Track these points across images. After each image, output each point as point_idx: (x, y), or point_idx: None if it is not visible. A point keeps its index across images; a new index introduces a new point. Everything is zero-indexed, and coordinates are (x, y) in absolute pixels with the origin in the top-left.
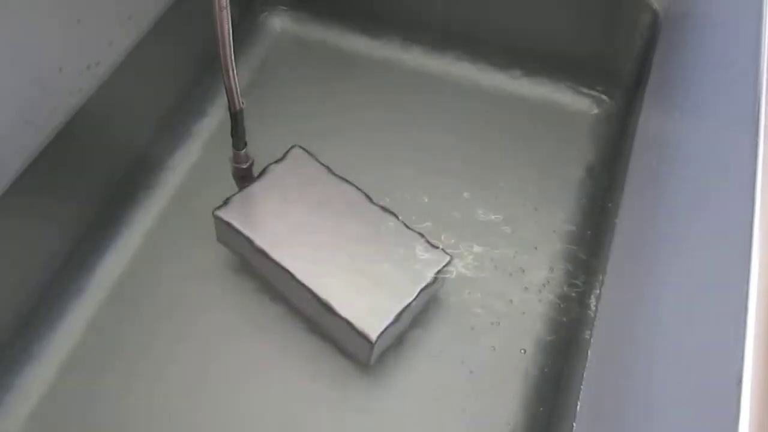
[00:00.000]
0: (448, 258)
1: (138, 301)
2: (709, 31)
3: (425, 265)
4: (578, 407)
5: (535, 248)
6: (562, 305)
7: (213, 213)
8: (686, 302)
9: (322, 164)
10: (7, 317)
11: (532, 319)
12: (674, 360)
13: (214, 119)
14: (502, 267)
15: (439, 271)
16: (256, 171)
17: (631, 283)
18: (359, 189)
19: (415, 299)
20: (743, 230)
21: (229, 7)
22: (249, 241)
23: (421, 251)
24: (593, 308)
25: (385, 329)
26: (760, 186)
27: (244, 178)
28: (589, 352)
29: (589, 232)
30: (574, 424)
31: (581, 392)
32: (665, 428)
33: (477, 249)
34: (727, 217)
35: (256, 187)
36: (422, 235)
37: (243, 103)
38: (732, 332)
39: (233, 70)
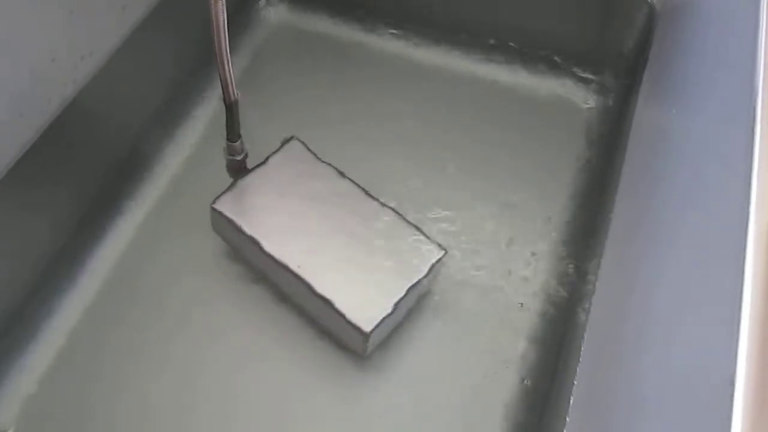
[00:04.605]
0: (443, 251)
1: (132, 293)
2: (705, 25)
3: (420, 257)
4: (571, 400)
5: (530, 241)
6: (556, 299)
7: (210, 205)
8: (680, 300)
9: (318, 156)
10: (0, 310)
11: (526, 311)
12: (667, 358)
13: (208, 110)
14: (497, 260)
15: (434, 264)
16: (251, 163)
17: (625, 278)
18: (354, 181)
19: (409, 292)
20: (738, 226)
21: None
22: (244, 233)
23: (417, 244)
24: (587, 302)
25: (380, 322)
26: (755, 180)
27: (239, 170)
28: (582, 346)
29: (584, 226)
30: (567, 418)
31: (575, 386)
32: (657, 425)
33: (472, 242)
34: (722, 211)
35: (251, 179)
36: (417, 228)
37: (238, 94)
38: (726, 332)
39: (228, 61)
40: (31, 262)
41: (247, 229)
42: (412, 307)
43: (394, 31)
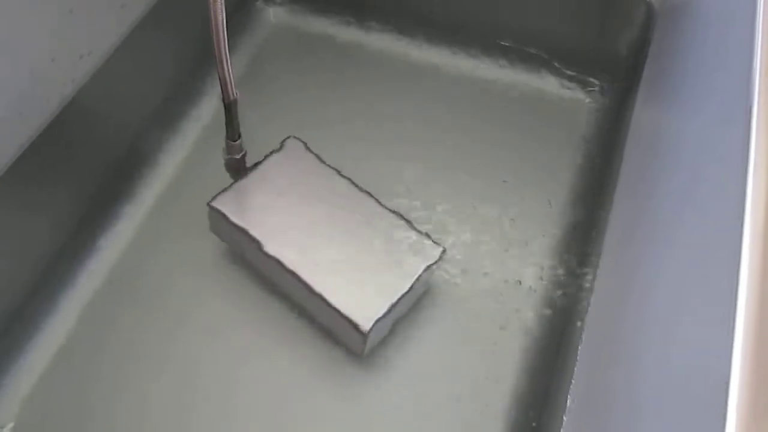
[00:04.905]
0: (441, 249)
1: (131, 292)
2: (704, 25)
3: (418, 256)
4: (568, 401)
5: (529, 241)
6: (554, 298)
7: (207, 204)
8: (676, 301)
9: (317, 156)
10: (0, 309)
11: (524, 311)
12: (663, 359)
13: (208, 110)
14: (494, 259)
15: (432, 263)
16: (249, 162)
17: (622, 278)
18: (353, 181)
19: (408, 291)
20: (734, 227)
21: None
22: (243, 233)
23: (415, 243)
24: (585, 302)
25: (378, 321)
26: (751, 182)
27: (238, 169)
28: (579, 347)
29: (582, 225)
30: (565, 418)
31: (571, 387)
32: (654, 425)
33: (470, 241)
34: (718, 212)
35: (249, 179)
36: (416, 227)
37: (237, 94)
38: (722, 333)
39: (227, 61)
40: (30, 261)
41: (246, 229)
42: (411, 305)
43: (394, 31)
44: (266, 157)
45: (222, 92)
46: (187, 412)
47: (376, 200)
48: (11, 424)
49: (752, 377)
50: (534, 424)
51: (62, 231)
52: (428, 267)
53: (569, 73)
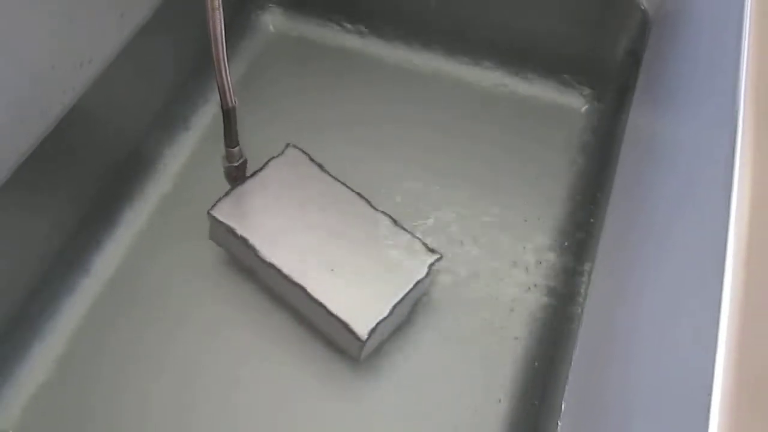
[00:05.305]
0: (438, 255)
1: (131, 297)
2: (698, 31)
3: (416, 262)
4: (563, 406)
5: (525, 246)
6: (550, 303)
7: (207, 212)
8: (665, 305)
9: (316, 163)
10: (1, 313)
11: (520, 316)
12: (656, 361)
13: (207, 116)
14: (491, 264)
15: (429, 269)
16: (249, 169)
17: (615, 283)
18: (351, 188)
19: (405, 297)
20: (720, 233)
21: (221, 7)
22: (242, 239)
23: (412, 249)
24: (581, 307)
25: (376, 327)
26: (736, 185)
27: (237, 176)
28: (574, 349)
29: (578, 229)
30: (559, 423)
31: (566, 392)
32: (647, 428)
33: (467, 246)
34: (711, 215)
35: (249, 186)
36: (413, 233)
37: (236, 102)
38: (712, 335)
39: (226, 69)
40: (31, 265)
41: (244, 235)
42: (409, 310)
43: (392, 36)
44: (265, 164)
45: (221, 100)
46: (187, 412)
47: (374, 207)
48: (11, 430)
49: (734, 382)
50: (533, 423)
51: (63, 234)
52: (425, 273)
53: (566, 78)
